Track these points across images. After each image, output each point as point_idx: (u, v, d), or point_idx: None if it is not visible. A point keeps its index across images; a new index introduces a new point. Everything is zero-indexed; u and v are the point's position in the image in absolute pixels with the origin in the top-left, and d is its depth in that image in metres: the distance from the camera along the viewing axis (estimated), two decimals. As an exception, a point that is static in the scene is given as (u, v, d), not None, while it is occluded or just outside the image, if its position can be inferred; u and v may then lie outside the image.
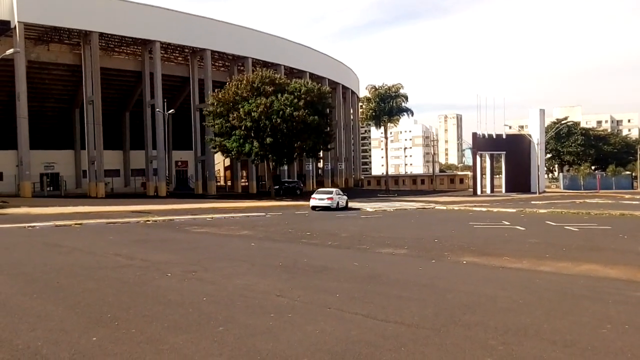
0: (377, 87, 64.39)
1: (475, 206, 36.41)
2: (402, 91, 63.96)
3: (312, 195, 35.16)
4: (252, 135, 44.20)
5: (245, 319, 6.89)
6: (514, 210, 31.89)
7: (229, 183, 67.57)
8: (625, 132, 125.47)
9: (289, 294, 8.34)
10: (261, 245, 15.26)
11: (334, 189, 38.16)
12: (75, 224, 21.57)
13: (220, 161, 68.77)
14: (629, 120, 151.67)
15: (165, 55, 55.42)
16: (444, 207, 36.03)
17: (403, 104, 63.95)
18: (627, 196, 57.35)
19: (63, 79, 51.58)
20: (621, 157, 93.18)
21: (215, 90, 47.81)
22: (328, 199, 33.72)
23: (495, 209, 33.01)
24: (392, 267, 11.21)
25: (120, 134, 60.06)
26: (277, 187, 52.43)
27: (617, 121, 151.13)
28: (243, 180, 64.84)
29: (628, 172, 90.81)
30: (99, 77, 46.37)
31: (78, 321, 6.80)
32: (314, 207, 33.48)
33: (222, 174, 79.70)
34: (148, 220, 23.82)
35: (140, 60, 53.58)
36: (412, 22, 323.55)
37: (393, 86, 63.83)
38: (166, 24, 50.61)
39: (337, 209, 33.72)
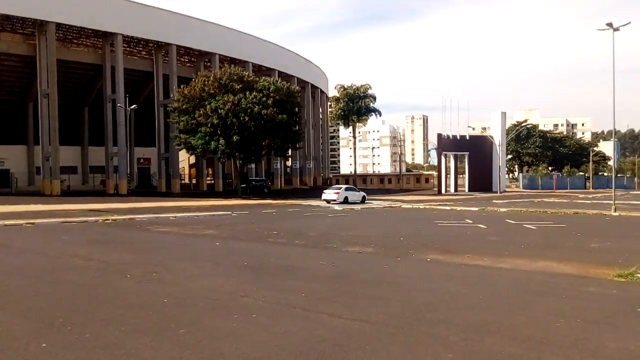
0: (346, 87, 64.81)
1: (439, 205, 37.00)
2: (370, 91, 64.62)
3: (324, 191, 42.17)
4: (219, 132, 43.57)
5: (209, 320, 6.73)
6: (476, 209, 32.56)
7: (194, 181, 66.47)
8: (579, 135, 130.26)
9: (254, 294, 8.21)
10: (226, 245, 15.02)
11: (343, 186, 44.91)
12: (27, 223, 20.61)
13: (185, 159, 67.55)
14: (582, 124, 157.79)
15: (128, 48, 53.73)
16: (410, 206, 36.47)
17: (371, 104, 64.64)
18: (580, 196, 59.54)
19: (15, 71, 49.34)
20: (575, 158, 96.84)
21: (181, 86, 46.68)
22: (335, 193, 39.57)
23: (458, 208, 33.63)
24: (358, 266, 11.22)
25: (78, 130, 58.04)
26: (244, 185, 51.90)
27: (572, 124, 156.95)
28: (209, 179, 63.89)
29: (581, 173, 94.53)
30: (55, 70, 44.35)
31: (28, 326, 6.48)
32: (326, 201, 39.07)
33: (186, 171, 78.35)
34: (107, 220, 23.05)
35: (100, 53, 51.57)
36: (380, 24, 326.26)
37: (362, 86, 64.36)
38: (129, 16, 48.86)
39: (347, 202, 38.65)
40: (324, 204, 38.00)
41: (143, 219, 23.91)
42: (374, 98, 66.24)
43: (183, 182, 64.98)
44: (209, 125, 43.10)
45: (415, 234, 18.09)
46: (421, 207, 35.87)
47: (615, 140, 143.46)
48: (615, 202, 30.57)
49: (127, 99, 48.93)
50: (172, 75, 52.64)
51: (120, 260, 11.72)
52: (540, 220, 23.22)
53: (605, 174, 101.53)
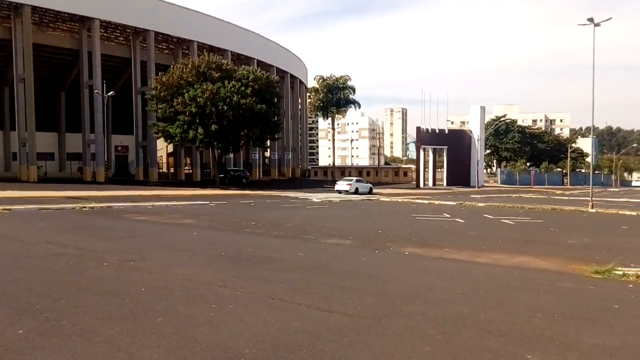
0: (325, 77, 64.63)
1: (417, 198, 37.34)
2: (349, 83, 64.58)
3: (337, 182, 46.04)
4: (197, 121, 43.13)
5: (185, 309, 6.69)
6: (454, 203, 32.96)
7: (171, 170, 65.78)
8: (558, 131, 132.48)
9: (231, 284, 8.18)
10: (204, 235, 14.93)
11: (354, 178, 47.87)
12: (3, 209, 20.25)
13: (162, 147, 66.71)
14: (561, 120, 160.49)
15: (105, 34, 52.64)
16: (389, 199, 36.72)
17: (350, 96, 64.66)
18: (558, 192, 60.74)
19: (-10, 55, 48.26)
20: (553, 154, 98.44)
21: (159, 74, 46.08)
22: (348, 184, 43.46)
23: (436, 202, 34.00)
24: (336, 258, 11.26)
25: (55, 115, 56.99)
26: (223, 175, 51.55)
27: (551, 120, 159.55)
28: (187, 168, 63.32)
29: (559, 169, 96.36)
30: (32, 54, 43.49)
31: (2, 313, 6.36)
32: (339, 191, 42.57)
33: (164, 160, 77.47)
34: (84, 207, 22.74)
35: (77, 38, 50.59)
36: (360, 15, 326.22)
37: (341, 77, 64.27)
38: (107, 1, 48.04)
39: (357, 193, 42.16)
40: (302, 195, 38.03)
41: (120, 207, 23.59)
42: (353, 90, 66.27)
43: (161, 171, 64.31)
44: (187, 113, 42.62)
45: (393, 227, 18.22)
46: (399, 200, 36.16)
47: (594, 137, 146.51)
48: (593, 199, 31.27)
49: (105, 85, 48.23)
50: (150, 62, 51.92)
51: (97, 248, 11.54)
52: (518, 216, 23.59)
53: (583, 170, 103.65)
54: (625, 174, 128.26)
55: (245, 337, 5.59)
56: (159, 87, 44.40)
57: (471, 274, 9.66)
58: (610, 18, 29.32)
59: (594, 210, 29.26)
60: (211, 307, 6.78)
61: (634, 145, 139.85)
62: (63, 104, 57.19)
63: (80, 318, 6.19)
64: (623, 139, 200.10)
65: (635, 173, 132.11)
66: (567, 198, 46.33)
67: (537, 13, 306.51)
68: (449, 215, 23.24)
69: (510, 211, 27.13)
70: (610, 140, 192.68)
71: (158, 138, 50.03)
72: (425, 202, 34.24)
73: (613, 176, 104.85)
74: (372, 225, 18.50)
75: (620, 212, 27.88)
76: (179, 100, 42.57)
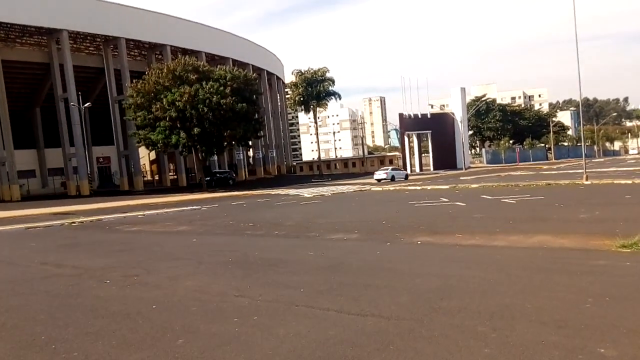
0: (303, 71, 63.88)
1: (409, 185, 37.00)
2: (328, 75, 63.91)
3: (375, 172, 50.21)
4: (178, 125, 42.25)
5: (206, 326, 6.11)
6: (447, 186, 32.65)
7: (156, 177, 64.79)
8: (537, 107, 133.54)
9: (248, 292, 7.62)
10: (204, 241, 14.29)
11: (390, 167, 53.66)
12: (-12, 232, 19.35)
13: (145, 155, 65.61)
14: (539, 95, 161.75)
15: (75, 45, 51.38)
16: (380, 188, 36.30)
17: (330, 88, 64.00)
18: (544, 167, 61.07)
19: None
20: (536, 130, 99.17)
21: (134, 81, 44.98)
22: (385, 173, 47.86)
23: (429, 187, 33.65)
24: (349, 254, 10.74)
25: (31, 132, 55.49)
26: (209, 178, 50.71)
27: (529, 97, 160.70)
28: (171, 174, 62.31)
29: (542, 145, 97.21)
30: (1, 71, 42.18)
31: (5, 348, 5.72)
32: (378, 180, 46.11)
33: (148, 168, 76.22)
34: (74, 222, 21.82)
35: (47, 52, 49.25)
36: (329, 7, 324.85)
37: (319, 70, 63.58)
38: (73, 11, 46.70)
39: (394, 180, 46.22)
40: (292, 192, 37.46)
41: (111, 219, 22.77)
42: (333, 81, 65.55)
43: (145, 179, 63.25)
44: (167, 119, 41.71)
45: (395, 216, 17.77)
46: (391, 188, 35.74)
47: (573, 109, 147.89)
48: (587, 171, 31.24)
49: (80, 97, 47.04)
50: (124, 69, 50.73)
51: (95, 265, 10.85)
52: (516, 194, 23.28)
53: (565, 143, 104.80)
54: (607, 144, 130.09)
55: (281, 355, 5.05)
56: (135, 95, 43.35)
57: (496, 259, 9.22)
58: None
59: (588, 182, 29.18)
60: (234, 322, 6.22)
61: (614, 114, 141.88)
62: (39, 119, 55.70)
63: (93, 347, 5.58)
64: (600, 109, 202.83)
65: (617, 142, 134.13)
66: (556, 172, 46.49)
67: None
68: (447, 200, 22.85)
69: (506, 190, 26.85)
70: (588, 111, 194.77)
71: (140, 146, 49.00)
72: (418, 188, 33.87)
73: (595, 147, 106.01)
74: (374, 216, 18.01)
75: (615, 182, 27.92)
76: (158, 105, 41.61)
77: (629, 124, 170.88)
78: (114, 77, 51.99)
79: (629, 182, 26.96)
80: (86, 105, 46.68)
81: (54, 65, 47.52)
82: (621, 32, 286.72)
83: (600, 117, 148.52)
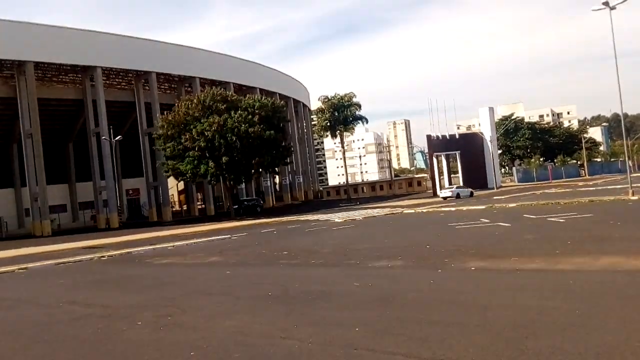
0: (329, 97, 63.69)
1: (441, 207, 35.76)
2: (354, 100, 63.50)
3: (441, 191, 54.81)
4: (207, 155, 42.10)
5: (254, 377, 5.26)
6: (483, 207, 31.35)
7: (184, 207, 64.66)
8: (566, 124, 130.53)
9: (296, 333, 6.73)
10: (238, 273, 13.50)
11: (454, 185, 56.06)
12: (19, 268, 18.83)
13: (173, 185, 65.83)
14: (568, 112, 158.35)
15: (108, 81, 52.47)
16: (412, 211, 35.16)
17: (357, 112, 63.51)
18: (580, 183, 58.89)
19: (-3, 114, 47.85)
20: (567, 147, 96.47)
21: (165, 113, 45.41)
22: (450, 191, 50.84)
23: (464, 208, 32.39)
24: (399, 284, 9.78)
25: (64, 167, 56.24)
26: (237, 206, 50.25)
27: (558, 114, 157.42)
28: (199, 203, 62.12)
29: (574, 161, 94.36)
30: (37, 109, 43.16)
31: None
32: (444, 198, 49.34)
33: (176, 198, 76.47)
34: (103, 256, 21.30)
35: (81, 88, 50.35)
36: (352, 36, 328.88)
37: (345, 95, 63.33)
38: (107, 48, 47.92)
39: (459, 197, 48.70)
40: (322, 217, 36.62)
41: (140, 252, 22.21)
42: (359, 106, 65.23)
43: (173, 209, 63.15)
44: (196, 148, 41.64)
45: (438, 239, 16.71)
46: (424, 210, 34.58)
47: (605, 125, 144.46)
48: (631, 185, 29.68)
49: (111, 130, 47.60)
50: (154, 102, 51.41)
51: (125, 303, 10.14)
52: (560, 213, 21.94)
53: (598, 159, 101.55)
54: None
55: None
56: (165, 126, 43.60)
57: (568, 285, 8.16)
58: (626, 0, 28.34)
59: (635, 198, 27.64)
60: (285, 370, 5.35)
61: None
62: (71, 154, 56.58)
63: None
64: (631, 124, 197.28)
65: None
66: (594, 189, 44.60)
67: (524, 13, 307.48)
68: (488, 221, 21.65)
69: (548, 208, 25.50)
70: (619, 126, 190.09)
71: (168, 177, 49.03)
72: (452, 209, 32.63)
73: (629, 162, 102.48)
74: (414, 240, 16.99)
75: None
76: (187, 136, 41.65)
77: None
78: (145, 110, 52.75)
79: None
80: (117, 138, 47.24)
81: (88, 101, 48.48)
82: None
83: (632, 131, 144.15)
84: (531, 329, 5.97)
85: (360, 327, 6.73)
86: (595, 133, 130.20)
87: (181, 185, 65.63)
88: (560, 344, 5.32)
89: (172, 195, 68.37)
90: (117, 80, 54.96)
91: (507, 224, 19.32)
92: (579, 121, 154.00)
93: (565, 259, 10.64)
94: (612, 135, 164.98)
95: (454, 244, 15.00)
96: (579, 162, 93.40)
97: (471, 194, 50.98)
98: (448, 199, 48.14)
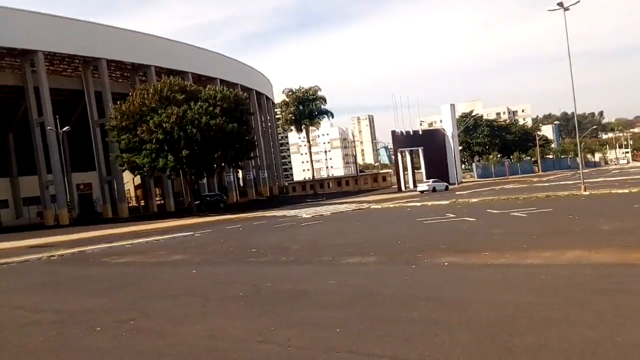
0: (294, 90, 62.87)
1: (408, 202, 35.94)
2: (319, 93, 62.98)
3: (418, 184, 56.28)
4: (166, 148, 40.61)
5: (231, 387, 4.83)
6: (447, 202, 31.69)
7: (142, 203, 62.79)
8: (521, 122, 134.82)
9: (273, 336, 6.34)
10: (205, 272, 12.92)
11: (431, 179, 55.29)
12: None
13: (129, 180, 63.58)
14: (523, 110, 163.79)
15: (52, 67, 49.27)
16: (379, 206, 35.15)
17: (322, 106, 63.03)
18: (535, 179, 60.83)
19: None
20: (522, 144, 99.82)
21: (118, 103, 43.23)
22: (427, 185, 52.19)
23: (429, 203, 32.65)
24: (375, 281, 9.52)
25: (5, 159, 52.96)
26: (198, 202, 49.04)
27: (513, 112, 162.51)
28: (158, 199, 60.32)
29: (529, 158, 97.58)
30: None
31: None
32: (421, 191, 50.76)
33: (132, 193, 74.17)
34: (52, 256, 19.77)
35: (20, 74, 46.77)
36: (315, 29, 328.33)
37: (310, 89, 62.64)
38: (49, 31, 44.37)
39: (435, 191, 50.25)
40: (289, 213, 36.13)
41: (95, 251, 21.02)
42: (325, 100, 64.62)
43: (130, 205, 61.00)
44: (153, 141, 40.04)
45: (408, 234, 16.62)
46: (391, 206, 34.64)
47: (556, 123, 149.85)
48: (578, 181, 30.75)
49: (58, 120, 44.69)
50: (105, 91, 48.75)
51: (81, 307, 9.40)
52: (521, 207, 22.35)
53: (550, 156, 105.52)
54: (589, 156, 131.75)
55: None
56: (119, 117, 41.65)
57: (541, 280, 8.16)
58: (579, 1, 29.18)
59: (587, 193, 28.67)
60: (264, 378, 4.95)
61: (593, 127, 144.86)
62: (12, 145, 53.35)
63: None
64: (578, 123, 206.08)
65: (597, 154, 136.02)
66: (548, 184, 46.06)
67: (484, 13, 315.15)
68: (454, 215, 21.79)
69: (509, 203, 26.00)
70: (567, 125, 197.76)
71: (124, 170, 47.05)
72: (418, 204, 32.82)
73: (578, 159, 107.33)
74: (385, 236, 16.83)
75: (612, 192, 27.95)
76: (144, 127, 39.99)
77: (604, 136, 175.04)
78: (95, 100, 49.89)
79: (626, 191, 26.99)
80: (65, 129, 44.59)
81: (29, 88, 45.16)
82: (592, 50, 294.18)
83: (579, 130, 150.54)
84: (514, 326, 5.83)
85: (341, 328, 6.41)
86: (547, 131, 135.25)
87: (138, 179, 63.59)
88: (542, 341, 5.22)
89: (128, 190, 66.15)
90: (61, 66, 51.39)
91: (472, 219, 19.48)
92: (533, 119, 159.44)
93: (533, 253, 10.73)
94: (561, 133, 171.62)
95: (425, 239, 14.93)
96: (533, 159, 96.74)
97: (446, 188, 52.79)
98: (425, 192, 49.80)
